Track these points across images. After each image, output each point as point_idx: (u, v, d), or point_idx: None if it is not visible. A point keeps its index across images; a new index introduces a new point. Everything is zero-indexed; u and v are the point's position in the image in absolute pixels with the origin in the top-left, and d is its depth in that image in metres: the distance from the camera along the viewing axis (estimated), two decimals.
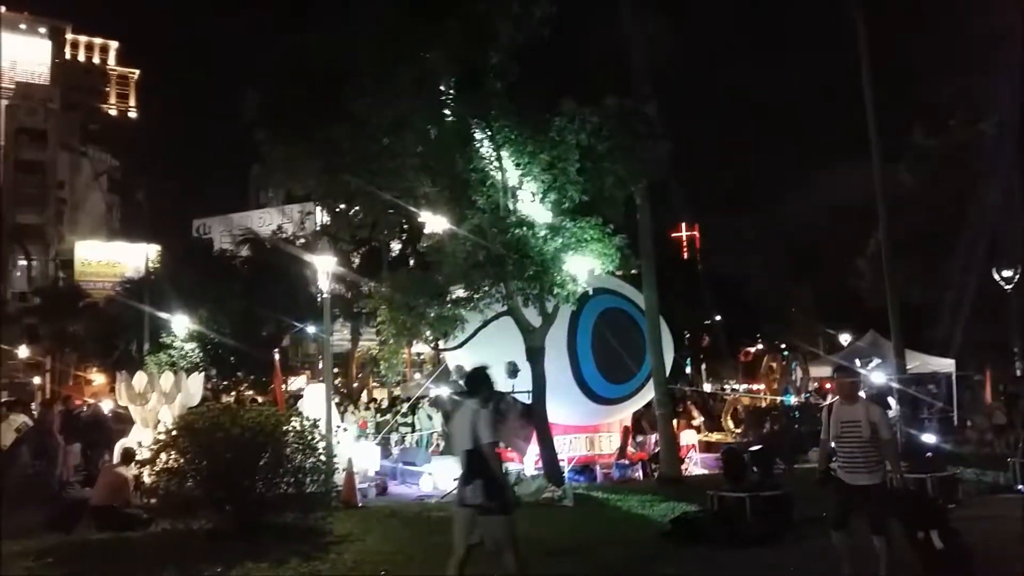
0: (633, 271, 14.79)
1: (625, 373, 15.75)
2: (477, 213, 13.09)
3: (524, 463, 14.84)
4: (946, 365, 21.88)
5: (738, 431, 19.57)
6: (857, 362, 22.52)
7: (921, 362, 21.11)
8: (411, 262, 24.81)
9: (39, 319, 41.01)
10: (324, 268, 15.40)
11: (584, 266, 13.12)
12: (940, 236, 25.00)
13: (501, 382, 14.60)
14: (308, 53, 13.57)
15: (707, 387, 35.00)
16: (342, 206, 17.66)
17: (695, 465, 16.78)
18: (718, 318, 36.99)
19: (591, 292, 14.29)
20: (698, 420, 20.16)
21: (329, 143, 12.94)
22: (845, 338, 31.12)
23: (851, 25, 17.33)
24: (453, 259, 13.49)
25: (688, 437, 17.78)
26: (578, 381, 15.39)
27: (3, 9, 77.61)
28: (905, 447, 12.08)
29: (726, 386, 35.53)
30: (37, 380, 42.31)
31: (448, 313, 13.55)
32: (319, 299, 16.81)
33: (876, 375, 20.55)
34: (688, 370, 34.94)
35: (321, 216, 33.33)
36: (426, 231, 14.37)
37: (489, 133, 12.86)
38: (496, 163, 13.07)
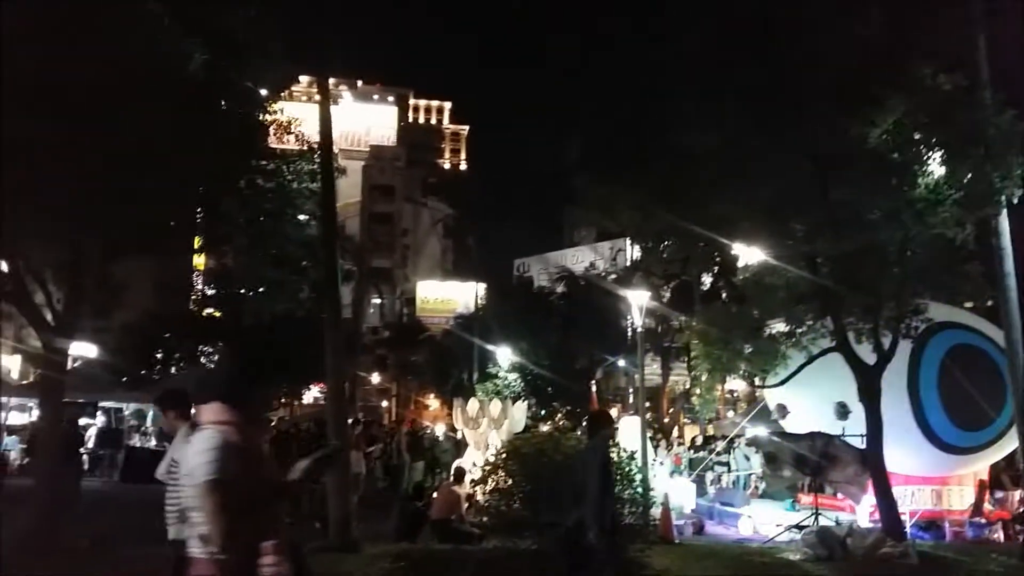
0: (989, 303, 12.92)
1: (980, 419, 13.76)
2: (800, 242, 12.34)
3: (858, 513, 13.60)
4: None
5: None
6: None
7: None
8: (723, 295, 24.20)
9: (387, 350, 46.67)
10: (637, 302, 15.58)
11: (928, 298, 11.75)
12: None
13: (830, 424, 13.59)
14: (624, 97, 14.02)
15: None
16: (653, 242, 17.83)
17: None
18: None
19: (937, 326, 12.77)
20: None
21: (645, 179, 13.15)
22: None
23: None
24: (771, 292, 12.84)
25: None
26: (921, 426, 13.75)
27: (360, 83, 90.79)
28: None
29: None
30: (384, 403, 48.23)
31: (766, 349, 12.87)
32: (630, 333, 17.01)
33: None
34: None
35: (631, 252, 33.89)
36: (740, 264, 13.88)
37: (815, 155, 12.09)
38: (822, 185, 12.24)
